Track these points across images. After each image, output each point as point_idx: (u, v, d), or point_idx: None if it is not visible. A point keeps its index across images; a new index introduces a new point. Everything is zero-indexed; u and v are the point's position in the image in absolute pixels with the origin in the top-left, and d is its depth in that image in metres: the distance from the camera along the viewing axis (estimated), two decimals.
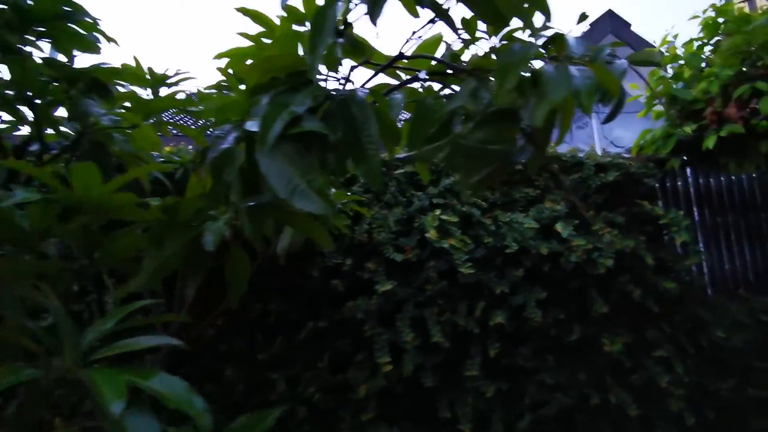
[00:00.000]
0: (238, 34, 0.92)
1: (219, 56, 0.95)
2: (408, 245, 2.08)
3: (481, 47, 0.91)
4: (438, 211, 2.07)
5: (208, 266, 0.96)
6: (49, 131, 1.05)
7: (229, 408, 1.88)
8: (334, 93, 0.87)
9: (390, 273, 2.04)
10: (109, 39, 1.12)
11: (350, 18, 0.89)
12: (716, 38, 2.72)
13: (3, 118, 0.99)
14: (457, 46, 0.95)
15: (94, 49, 1.04)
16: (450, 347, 2.01)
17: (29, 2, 0.93)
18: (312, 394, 1.92)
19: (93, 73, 0.88)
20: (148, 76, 1.05)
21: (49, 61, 0.87)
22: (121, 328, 0.71)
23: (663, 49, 2.89)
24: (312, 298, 1.99)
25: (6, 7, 0.81)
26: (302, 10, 1.01)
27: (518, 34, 0.96)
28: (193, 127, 1.55)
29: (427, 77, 0.94)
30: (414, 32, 1.07)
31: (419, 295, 2.05)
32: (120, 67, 0.95)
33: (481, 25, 0.93)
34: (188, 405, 0.55)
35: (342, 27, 0.87)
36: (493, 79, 0.82)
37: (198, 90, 1.04)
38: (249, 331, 1.94)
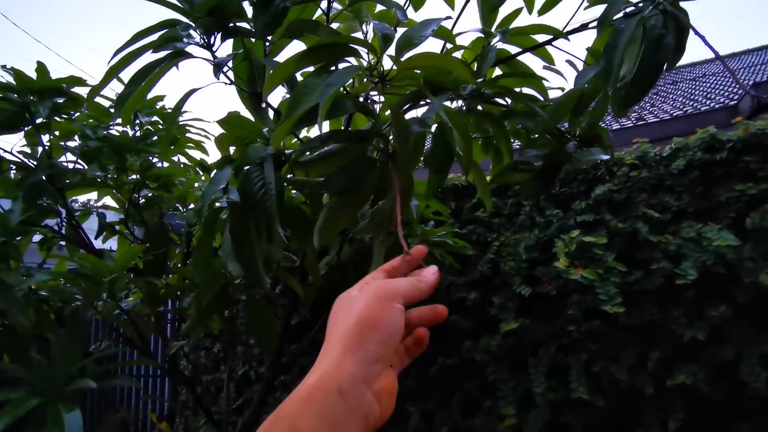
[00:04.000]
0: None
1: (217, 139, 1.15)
2: (547, 276, 1.75)
3: None
4: (576, 233, 1.66)
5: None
6: None
7: None
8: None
9: (523, 309, 1.76)
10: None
11: None
12: None
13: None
14: None
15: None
16: (607, 408, 1.55)
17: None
18: None
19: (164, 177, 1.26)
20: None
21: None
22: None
23: None
24: (440, 332, 1.92)
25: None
26: None
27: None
28: None
29: None
30: None
31: (563, 336, 1.68)
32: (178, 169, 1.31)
33: None
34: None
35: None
36: None
37: None
38: None
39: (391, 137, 0.71)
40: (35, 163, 1.44)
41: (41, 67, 1.10)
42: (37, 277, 0.99)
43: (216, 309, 1.14)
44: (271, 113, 0.93)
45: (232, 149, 1.07)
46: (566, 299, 1.68)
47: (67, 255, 1.18)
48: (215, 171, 1.01)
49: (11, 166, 1.44)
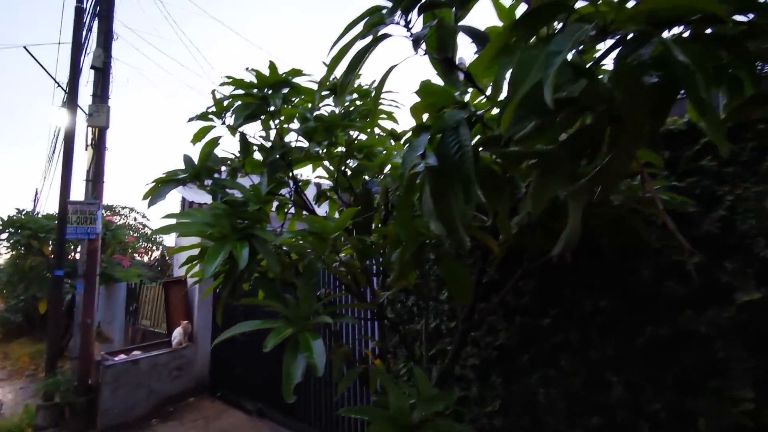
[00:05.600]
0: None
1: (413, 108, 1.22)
2: None
3: None
4: None
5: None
6: None
7: (569, 397, 1.95)
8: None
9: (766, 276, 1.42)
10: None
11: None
12: None
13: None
14: None
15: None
16: None
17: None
18: (656, 411, 1.66)
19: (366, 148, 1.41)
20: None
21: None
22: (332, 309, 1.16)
23: None
24: (648, 300, 1.71)
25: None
26: None
27: None
28: None
29: None
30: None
31: None
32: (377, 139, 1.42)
33: None
34: (312, 354, 0.92)
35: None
36: None
37: None
38: (582, 327, 1.92)
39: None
40: (270, 144, 1.79)
41: (273, 65, 1.36)
42: (284, 234, 1.25)
43: (415, 264, 1.26)
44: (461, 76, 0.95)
45: (425, 117, 1.13)
46: None
47: (297, 217, 1.46)
48: (411, 138, 1.08)
49: (254, 147, 1.82)
